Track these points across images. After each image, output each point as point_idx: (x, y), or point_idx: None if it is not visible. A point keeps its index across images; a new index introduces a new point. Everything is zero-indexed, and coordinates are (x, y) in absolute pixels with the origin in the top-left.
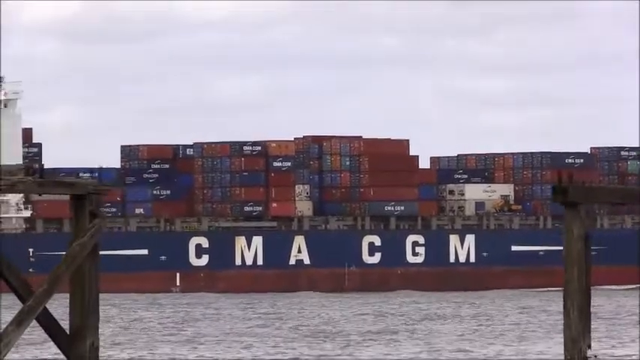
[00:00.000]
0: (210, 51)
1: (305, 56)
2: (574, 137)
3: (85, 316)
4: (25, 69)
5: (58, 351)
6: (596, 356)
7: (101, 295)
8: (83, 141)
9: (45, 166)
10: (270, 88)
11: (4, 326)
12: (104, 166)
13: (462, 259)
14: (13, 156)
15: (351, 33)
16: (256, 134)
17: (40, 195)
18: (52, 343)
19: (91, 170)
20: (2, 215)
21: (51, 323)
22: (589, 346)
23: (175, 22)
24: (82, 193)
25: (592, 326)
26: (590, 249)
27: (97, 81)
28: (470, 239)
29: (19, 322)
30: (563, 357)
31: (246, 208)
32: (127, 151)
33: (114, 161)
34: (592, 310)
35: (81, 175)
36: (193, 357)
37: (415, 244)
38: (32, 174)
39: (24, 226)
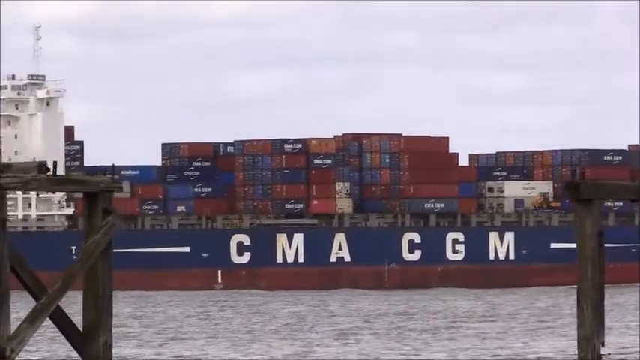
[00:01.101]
0: (232, 48)
1: (327, 54)
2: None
3: (98, 314)
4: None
5: (72, 348)
6: (609, 354)
7: (156, 293)
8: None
9: (85, 164)
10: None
11: (18, 323)
12: (145, 164)
13: (502, 256)
14: (56, 153)
15: (370, 31)
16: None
17: (53, 193)
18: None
19: (132, 168)
20: (45, 213)
21: (64, 321)
22: (602, 344)
23: (196, 19)
24: (95, 191)
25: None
26: (603, 246)
27: (121, 79)
28: (509, 236)
29: (33, 319)
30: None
31: (287, 206)
32: (168, 149)
33: (155, 159)
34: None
35: (123, 172)
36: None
37: (455, 241)
38: (45, 172)
39: (66, 224)
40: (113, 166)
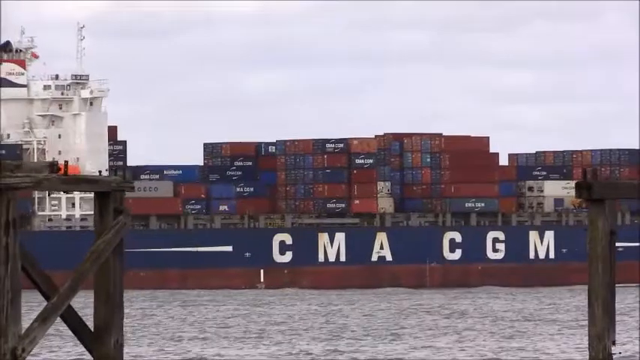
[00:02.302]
0: (250, 48)
1: (344, 53)
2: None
3: (109, 314)
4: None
5: (83, 348)
6: (620, 353)
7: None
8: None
9: (129, 164)
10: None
11: (29, 323)
12: (188, 164)
13: (542, 255)
14: (99, 153)
15: (385, 30)
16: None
17: (66, 192)
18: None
19: (175, 167)
20: (89, 212)
21: (75, 320)
22: (613, 343)
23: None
24: (106, 190)
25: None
26: (615, 245)
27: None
28: (549, 235)
29: (44, 318)
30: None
31: (329, 205)
32: (210, 149)
33: (197, 159)
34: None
35: (165, 172)
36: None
37: (495, 240)
38: (56, 171)
39: None
40: (125, 166)
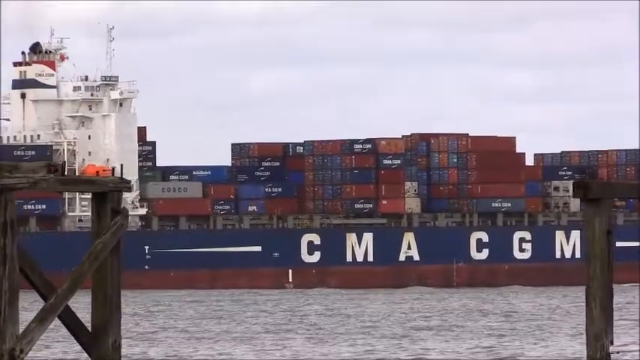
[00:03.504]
0: (270, 47)
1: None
2: None
3: (107, 314)
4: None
5: (81, 349)
6: (618, 352)
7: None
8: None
9: (158, 164)
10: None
11: (26, 324)
12: (217, 165)
13: (568, 254)
14: (129, 154)
15: (395, 28)
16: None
17: (63, 192)
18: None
19: (204, 168)
20: None
21: (73, 321)
22: (611, 342)
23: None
24: (104, 191)
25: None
26: (613, 245)
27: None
28: (575, 235)
29: (42, 319)
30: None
31: (357, 205)
32: (238, 150)
33: (224, 159)
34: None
35: (194, 173)
36: None
37: (522, 240)
38: (54, 171)
39: (140, 224)
40: (121, 166)
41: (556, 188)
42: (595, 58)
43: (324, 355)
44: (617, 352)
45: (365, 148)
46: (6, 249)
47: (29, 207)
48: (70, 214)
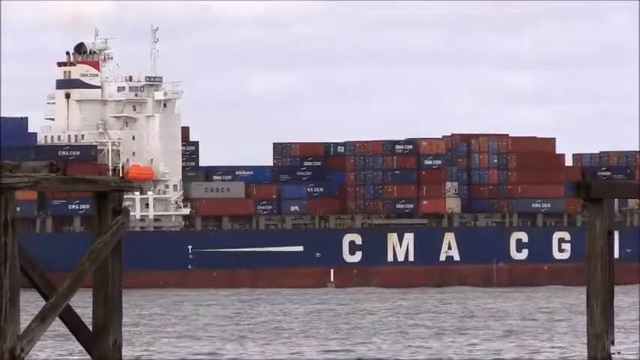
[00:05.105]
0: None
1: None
2: None
3: (108, 314)
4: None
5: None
6: (619, 352)
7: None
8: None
9: (201, 164)
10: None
11: (27, 323)
12: (259, 164)
13: None
14: (173, 154)
15: (400, 29)
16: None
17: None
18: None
19: (246, 168)
20: (162, 213)
21: (74, 320)
22: (612, 342)
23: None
24: (105, 190)
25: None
26: (613, 245)
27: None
28: (614, 235)
29: (43, 318)
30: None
31: (398, 206)
32: (280, 149)
33: (266, 158)
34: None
35: (237, 173)
36: None
37: (561, 240)
38: (56, 171)
39: (183, 224)
40: (123, 166)
41: None
42: (595, 58)
43: None
44: (619, 353)
45: (406, 149)
46: (7, 248)
47: (73, 207)
48: None
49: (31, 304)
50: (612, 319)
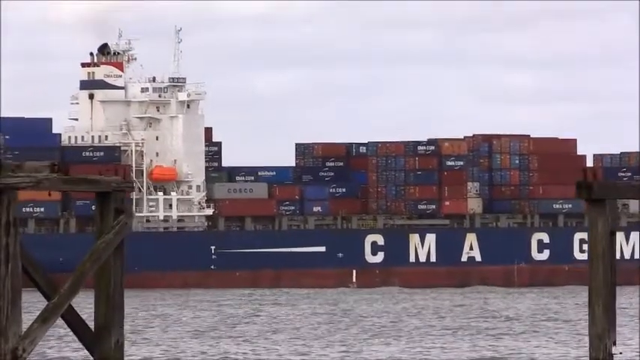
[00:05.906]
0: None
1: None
2: None
3: (109, 314)
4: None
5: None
6: (621, 353)
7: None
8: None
9: (224, 165)
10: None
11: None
12: (281, 165)
13: (627, 255)
14: (196, 155)
15: (402, 28)
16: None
17: (68, 193)
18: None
19: (269, 169)
20: (186, 213)
21: (76, 320)
22: (614, 343)
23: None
24: (107, 190)
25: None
26: (615, 245)
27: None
28: (634, 236)
29: (45, 319)
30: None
31: (420, 206)
32: (302, 150)
33: (289, 158)
34: None
35: (260, 173)
36: None
37: (582, 241)
38: (57, 171)
39: (206, 224)
40: (124, 166)
41: None
42: (595, 58)
43: None
44: (620, 353)
45: (428, 150)
46: (9, 248)
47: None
48: (137, 214)
49: (33, 304)
50: (614, 319)
